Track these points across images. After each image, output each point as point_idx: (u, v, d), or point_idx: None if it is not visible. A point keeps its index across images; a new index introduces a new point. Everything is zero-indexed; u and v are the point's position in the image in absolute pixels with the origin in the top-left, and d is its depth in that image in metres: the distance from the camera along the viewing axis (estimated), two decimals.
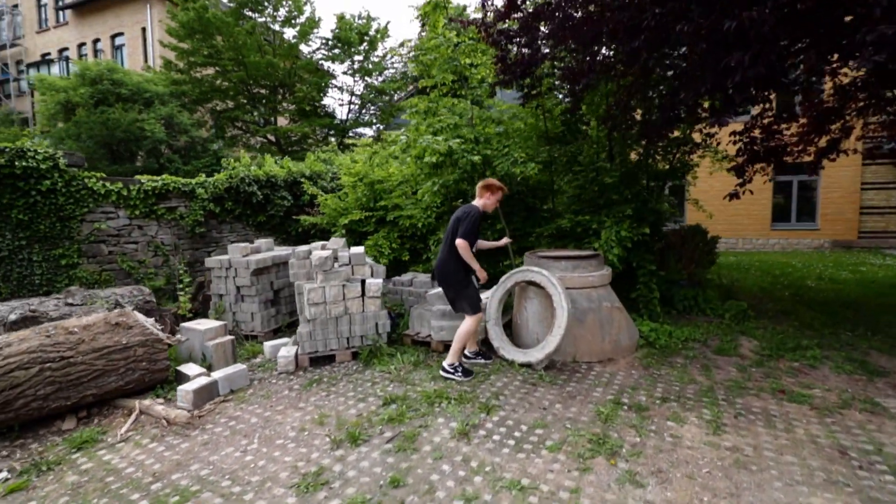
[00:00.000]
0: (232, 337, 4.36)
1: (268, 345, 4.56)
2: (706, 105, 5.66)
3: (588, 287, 4.21)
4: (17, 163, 4.87)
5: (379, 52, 21.66)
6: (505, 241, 4.37)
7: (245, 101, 18.79)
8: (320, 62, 20.73)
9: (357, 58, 21.52)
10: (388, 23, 21.07)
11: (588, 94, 6.70)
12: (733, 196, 4.93)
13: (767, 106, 5.18)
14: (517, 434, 2.92)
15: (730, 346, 4.36)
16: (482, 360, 4.20)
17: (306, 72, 19.17)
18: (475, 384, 3.70)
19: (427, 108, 6.15)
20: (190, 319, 5.74)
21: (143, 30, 21.59)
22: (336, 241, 4.72)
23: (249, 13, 18.10)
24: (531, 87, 5.38)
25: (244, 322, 5.17)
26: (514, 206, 6.55)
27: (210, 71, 17.83)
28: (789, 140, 5.88)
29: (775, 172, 6.54)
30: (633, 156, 6.78)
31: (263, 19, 18.54)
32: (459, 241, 3.71)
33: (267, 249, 5.66)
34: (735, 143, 5.27)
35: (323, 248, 4.71)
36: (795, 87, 4.83)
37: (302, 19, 18.88)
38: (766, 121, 5.54)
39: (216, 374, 3.78)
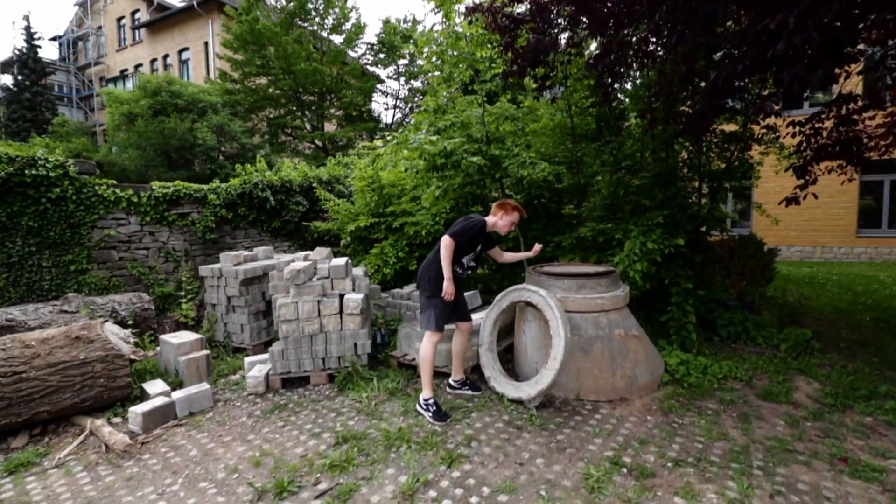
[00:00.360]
0: (207, 352, 4.13)
1: (249, 361, 4.27)
2: (766, 91, 4.74)
3: (596, 311, 3.53)
4: (27, 171, 4.98)
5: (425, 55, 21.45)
6: (536, 248, 3.79)
7: (295, 107, 19.29)
8: (366, 67, 20.95)
9: (402, 62, 21.56)
10: (433, 25, 20.87)
11: (621, 84, 5.93)
12: (791, 201, 3.98)
13: (841, 87, 4.17)
14: (473, 500, 2.36)
15: (781, 390, 3.48)
16: (469, 392, 3.64)
17: (353, 77, 19.35)
18: (449, 425, 3.16)
19: (437, 106, 5.69)
20: (192, 327, 5.68)
21: (206, 44, 22.92)
22: (320, 252, 4.38)
23: (300, 22, 18.53)
24: (544, 77, 4.74)
25: (235, 334, 4.97)
26: (533, 212, 5.91)
27: (263, 80, 18.45)
28: (874, 132, 4.77)
29: (861, 171, 5.39)
30: (684, 154, 5.91)
31: (313, 28, 18.91)
32: (445, 238, 3.21)
33: (265, 258, 5.45)
34: (794, 135, 4.29)
35: (306, 258, 4.38)
36: (880, 64, 3.84)
37: (348, 26, 19.10)
38: (844, 109, 4.49)
39: (176, 395, 3.53)
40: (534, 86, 4.78)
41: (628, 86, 6.27)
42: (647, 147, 5.67)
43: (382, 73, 22.24)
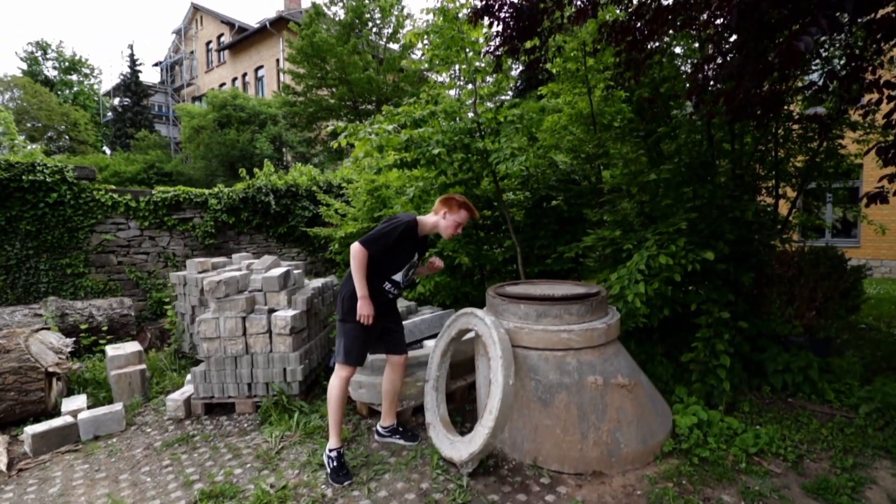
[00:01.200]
0: (142, 367, 3.79)
1: (190, 378, 3.89)
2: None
3: (560, 349, 2.61)
4: (24, 177, 5.10)
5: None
6: (435, 264, 2.94)
7: (353, 117, 19.61)
8: (424, 72, 20.80)
9: (460, 66, 21.13)
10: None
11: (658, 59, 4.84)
12: (874, 199, 2.67)
13: None
14: None
15: (845, 483, 2.30)
16: (400, 441, 2.89)
17: (409, 84, 19.29)
18: (346, 489, 2.44)
19: (428, 96, 5.04)
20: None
21: (277, 61, 24.33)
22: (264, 261, 3.88)
23: (359, 33, 18.88)
24: (532, 49, 3.85)
25: (199, 345, 4.64)
26: (542, 216, 5.01)
27: (325, 92, 19.00)
28: None
29: None
30: (751, 145, 4.70)
31: (371, 38, 19.20)
32: (354, 246, 2.51)
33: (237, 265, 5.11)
34: (878, 102, 2.94)
35: (248, 267, 3.91)
36: None
37: (404, 32, 19.11)
38: None
39: (82, 416, 3.18)
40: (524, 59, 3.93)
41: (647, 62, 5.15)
42: (696, 135, 4.55)
43: (440, 78, 22.01)
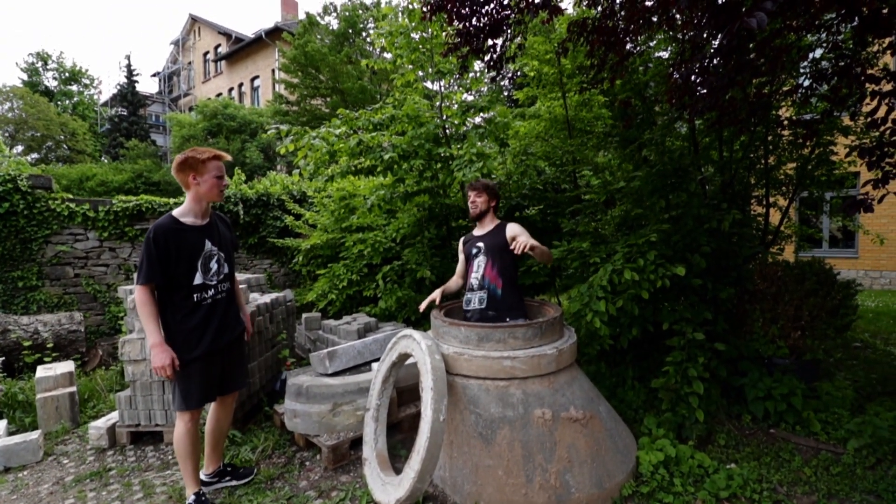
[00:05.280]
0: (72, 389, 3.51)
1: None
2: None
3: (503, 378, 2.31)
4: None
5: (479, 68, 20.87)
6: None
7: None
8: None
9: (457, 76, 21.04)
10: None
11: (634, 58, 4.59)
12: (857, 207, 2.36)
13: None
14: None
15: None
16: (232, 482, 2.56)
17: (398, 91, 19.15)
18: None
19: (394, 101, 4.82)
20: None
21: (273, 71, 24.32)
22: None
23: (353, 42, 18.88)
24: (486, 51, 3.57)
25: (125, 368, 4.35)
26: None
27: (319, 101, 18.93)
28: None
29: None
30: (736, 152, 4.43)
31: (366, 47, 19.20)
32: (136, 290, 2.15)
33: None
34: (861, 97, 2.63)
35: None
36: None
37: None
38: None
39: None
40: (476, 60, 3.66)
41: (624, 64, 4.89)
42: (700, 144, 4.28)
43: (434, 86, 21.93)
